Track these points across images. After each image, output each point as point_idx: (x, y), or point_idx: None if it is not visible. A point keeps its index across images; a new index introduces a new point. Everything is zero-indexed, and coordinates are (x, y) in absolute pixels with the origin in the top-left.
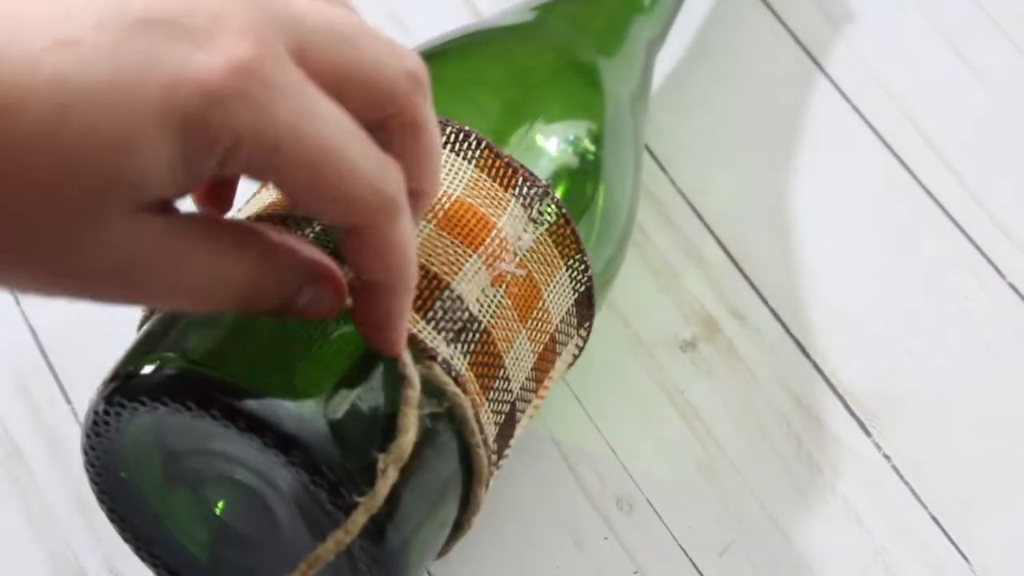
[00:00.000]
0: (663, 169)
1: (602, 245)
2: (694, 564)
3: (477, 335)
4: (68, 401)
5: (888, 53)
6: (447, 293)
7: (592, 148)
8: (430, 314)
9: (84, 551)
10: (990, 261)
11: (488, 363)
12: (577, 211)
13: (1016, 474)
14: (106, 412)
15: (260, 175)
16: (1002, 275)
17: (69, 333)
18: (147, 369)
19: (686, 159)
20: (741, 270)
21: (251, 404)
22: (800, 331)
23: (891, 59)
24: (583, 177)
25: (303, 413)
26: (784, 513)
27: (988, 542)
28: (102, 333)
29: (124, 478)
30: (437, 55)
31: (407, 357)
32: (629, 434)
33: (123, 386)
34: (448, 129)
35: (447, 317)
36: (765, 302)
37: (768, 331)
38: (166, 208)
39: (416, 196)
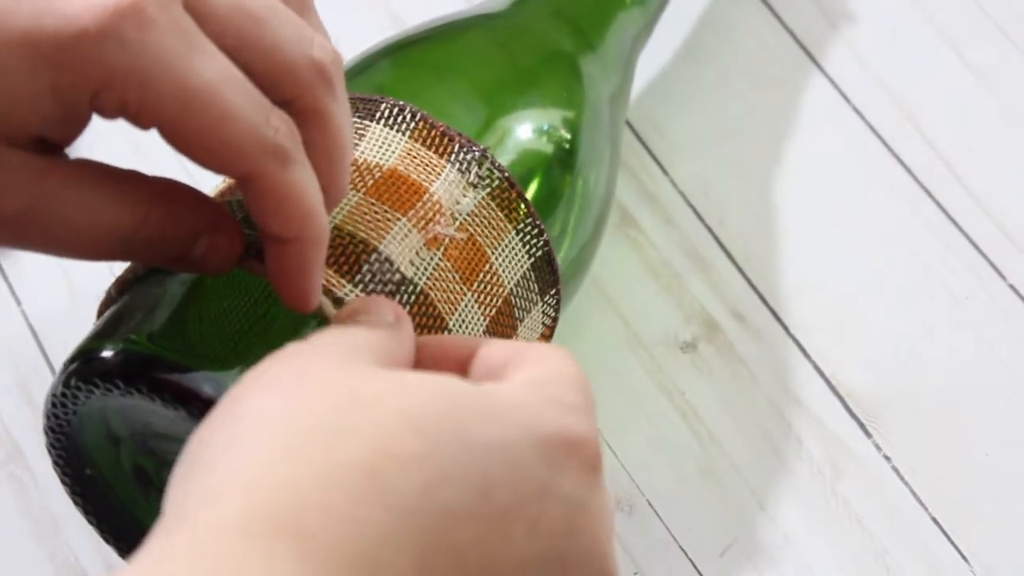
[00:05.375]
0: (663, 170)
1: (578, 231)
2: (694, 565)
3: (413, 296)
4: None
5: (888, 53)
6: (375, 256)
7: (569, 137)
8: (357, 277)
9: (85, 552)
10: (990, 261)
11: (428, 324)
12: (553, 199)
13: (1016, 474)
14: (64, 395)
15: (137, 117)
16: (1002, 275)
17: (69, 332)
18: (107, 352)
19: (686, 160)
20: (741, 271)
21: (207, 387)
22: (800, 332)
23: (891, 59)
24: (559, 166)
25: None
26: (784, 514)
27: (988, 543)
28: None
29: (90, 473)
30: (419, 41)
31: (329, 308)
32: (629, 434)
33: (81, 368)
34: (383, 105)
35: (376, 279)
36: (765, 303)
37: (768, 332)
38: (45, 150)
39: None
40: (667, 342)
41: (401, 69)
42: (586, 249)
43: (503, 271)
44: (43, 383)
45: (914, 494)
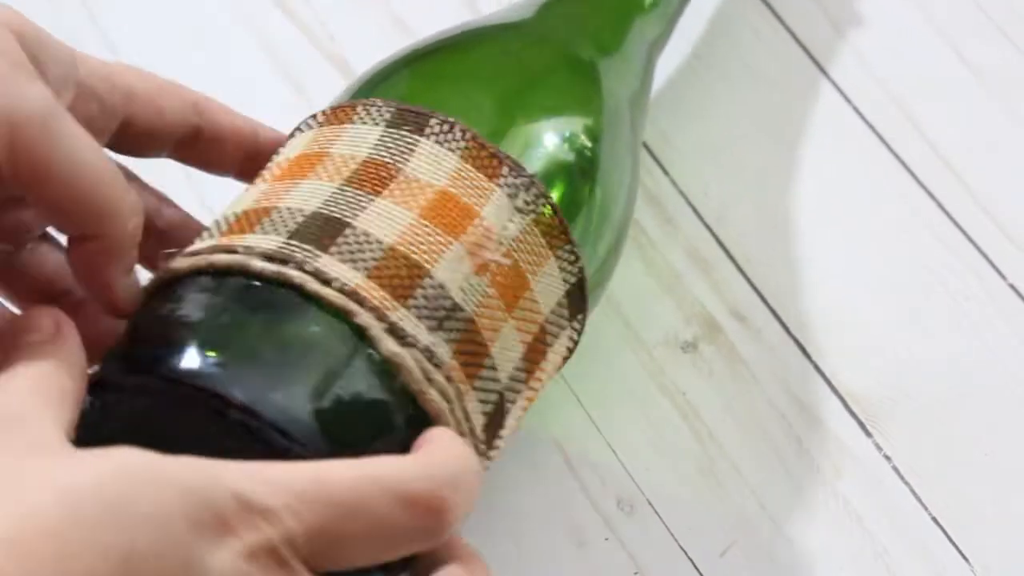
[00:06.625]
0: (664, 170)
1: (598, 244)
2: (694, 565)
3: (461, 323)
4: None
5: (888, 54)
6: (428, 281)
7: (589, 146)
8: (411, 301)
9: None
10: (990, 261)
11: (473, 352)
12: (573, 209)
13: (1016, 474)
14: (91, 403)
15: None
16: (1002, 275)
17: None
18: (132, 360)
19: (687, 160)
20: (742, 271)
21: (237, 392)
22: (801, 332)
23: (891, 60)
24: (580, 175)
25: (293, 409)
26: (785, 514)
27: (988, 543)
28: None
29: None
30: (436, 50)
31: (378, 332)
32: (630, 435)
33: (107, 378)
34: (433, 120)
35: (429, 305)
36: (766, 303)
37: (769, 332)
38: None
39: None
40: (668, 342)
41: (422, 79)
42: (606, 263)
43: (541, 298)
44: None
45: (914, 494)
